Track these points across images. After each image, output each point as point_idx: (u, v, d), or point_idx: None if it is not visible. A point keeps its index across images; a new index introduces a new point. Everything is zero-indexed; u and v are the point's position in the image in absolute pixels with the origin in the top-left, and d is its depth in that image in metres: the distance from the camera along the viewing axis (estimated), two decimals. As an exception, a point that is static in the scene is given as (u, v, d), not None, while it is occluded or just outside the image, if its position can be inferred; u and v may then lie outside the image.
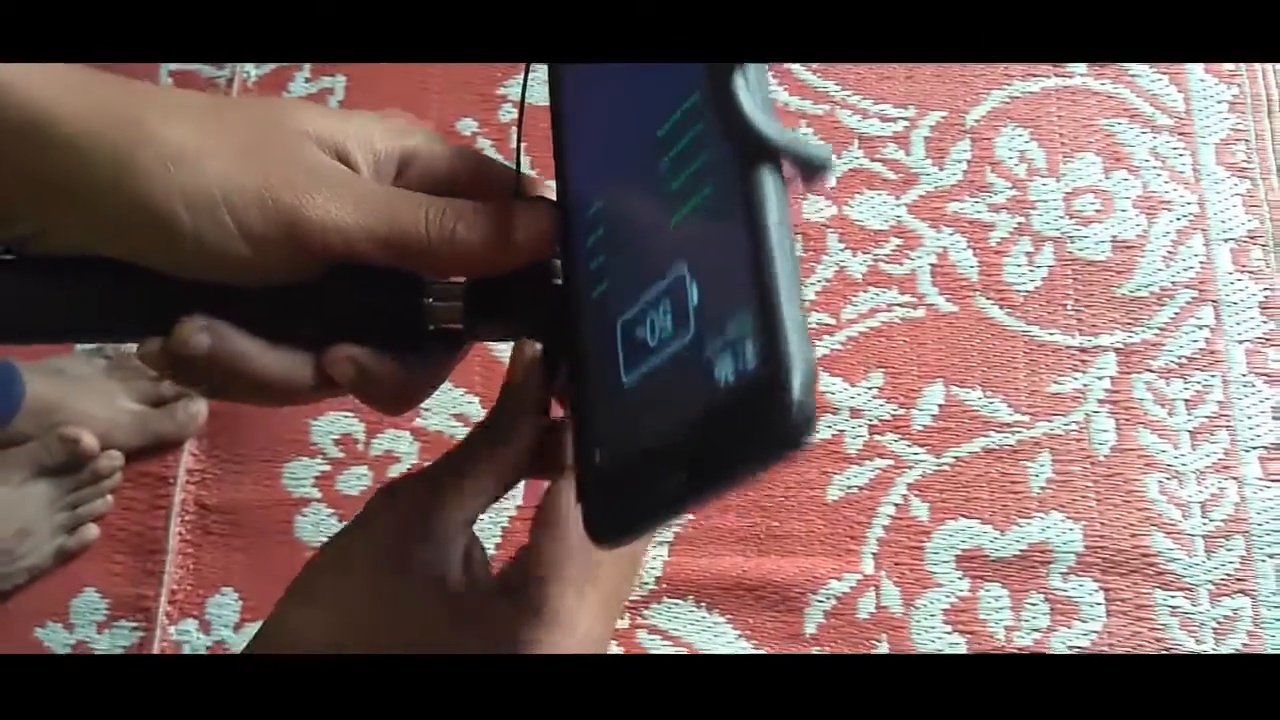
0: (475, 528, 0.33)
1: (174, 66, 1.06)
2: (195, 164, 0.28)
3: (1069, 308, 0.97)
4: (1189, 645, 0.88)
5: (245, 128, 0.29)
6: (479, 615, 0.32)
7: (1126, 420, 0.94)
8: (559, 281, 0.32)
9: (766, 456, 0.22)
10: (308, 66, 1.06)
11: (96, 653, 0.89)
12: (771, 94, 0.24)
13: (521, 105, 0.35)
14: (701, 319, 0.24)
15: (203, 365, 0.30)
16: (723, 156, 0.24)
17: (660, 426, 0.26)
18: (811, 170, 0.23)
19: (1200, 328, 0.97)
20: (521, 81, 0.34)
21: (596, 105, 0.31)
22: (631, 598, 0.90)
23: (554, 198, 0.32)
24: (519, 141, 0.36)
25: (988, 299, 0.98)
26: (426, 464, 0.33)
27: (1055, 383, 0.95)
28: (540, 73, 0.34)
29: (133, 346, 0.31)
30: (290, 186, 0.28)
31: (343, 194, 0.29)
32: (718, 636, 0.89)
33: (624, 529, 0.27)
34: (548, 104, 0.33)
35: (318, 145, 0.30)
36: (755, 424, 0.22)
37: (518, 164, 0.34)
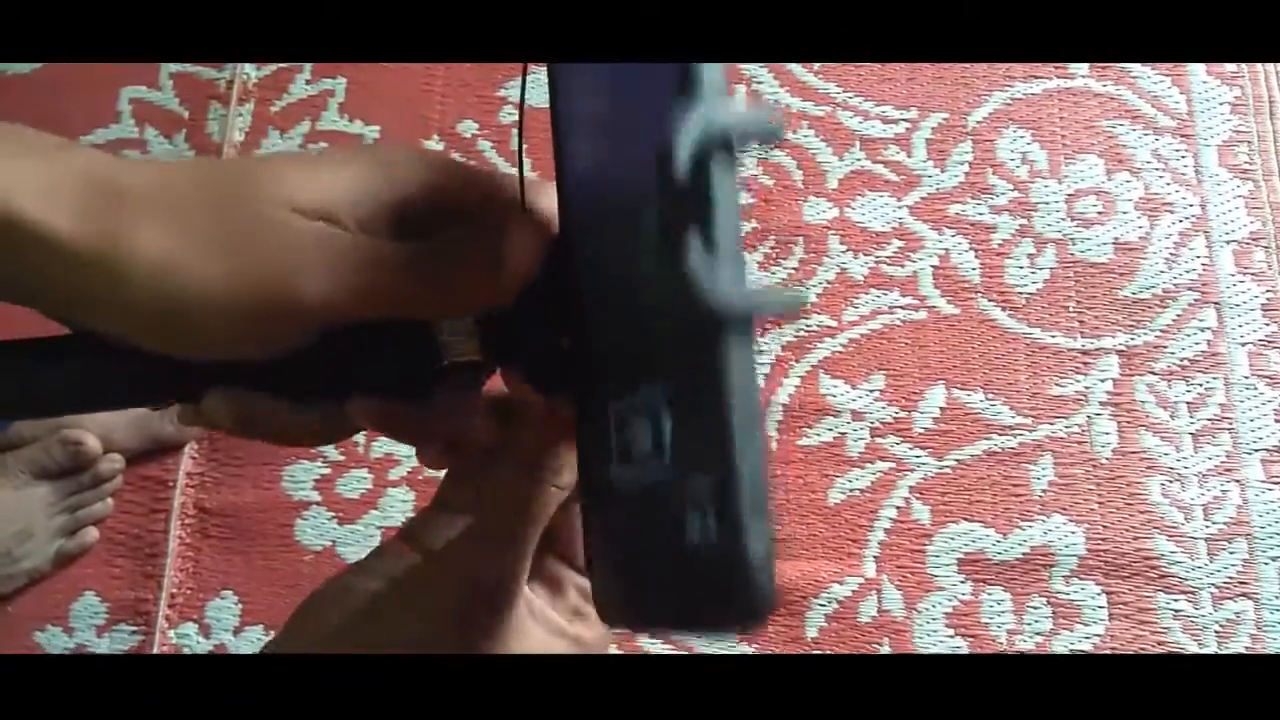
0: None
1: (175, 68, 1.06)
2: (180, 274, 0.28)
3: (1071, 310, 0.97)
4: (1191, 649, 0.88)
5: (225, 216, 0.30)
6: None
7: (1128, 423, 0.94)
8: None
9: (730, 625, 0.23)
10: (308, 69, 1.06)
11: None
12: (742, 233, 0.23)
13: (521, 109, 0.34)
14: (675, 456, 0.24)
15: (237, 429, 0.32)
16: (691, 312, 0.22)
17: (649, 546, 0.26)
18: (788, 317, 0.22)
19: (1202, 330, 0.96)
20: (520, 84, 0.34)
21: (596, 129, 0.30)
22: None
23: (556, 196, 0.31)
24: (520, 150, 0.35)
25: (989, 301, 0.98)
26: (425, 471, 0.33)
27: (1057, 385, 0.95)
28: (538, 76, 0.33)
29: None
30: (280, 277, 0.29)
31: (333, 265, 0.29)
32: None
33: (629, 622, 0.28)
34: (546, 107, 0.33)
35: (304, 215, 0.30)
36: (719, 593, 0.22)
37: (520, 178, 0.33)
